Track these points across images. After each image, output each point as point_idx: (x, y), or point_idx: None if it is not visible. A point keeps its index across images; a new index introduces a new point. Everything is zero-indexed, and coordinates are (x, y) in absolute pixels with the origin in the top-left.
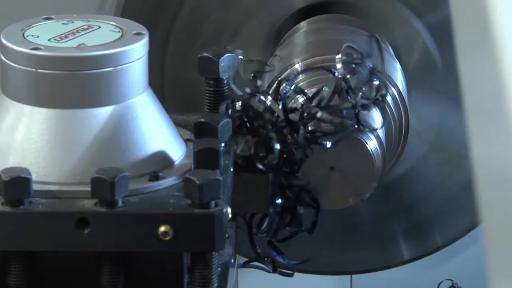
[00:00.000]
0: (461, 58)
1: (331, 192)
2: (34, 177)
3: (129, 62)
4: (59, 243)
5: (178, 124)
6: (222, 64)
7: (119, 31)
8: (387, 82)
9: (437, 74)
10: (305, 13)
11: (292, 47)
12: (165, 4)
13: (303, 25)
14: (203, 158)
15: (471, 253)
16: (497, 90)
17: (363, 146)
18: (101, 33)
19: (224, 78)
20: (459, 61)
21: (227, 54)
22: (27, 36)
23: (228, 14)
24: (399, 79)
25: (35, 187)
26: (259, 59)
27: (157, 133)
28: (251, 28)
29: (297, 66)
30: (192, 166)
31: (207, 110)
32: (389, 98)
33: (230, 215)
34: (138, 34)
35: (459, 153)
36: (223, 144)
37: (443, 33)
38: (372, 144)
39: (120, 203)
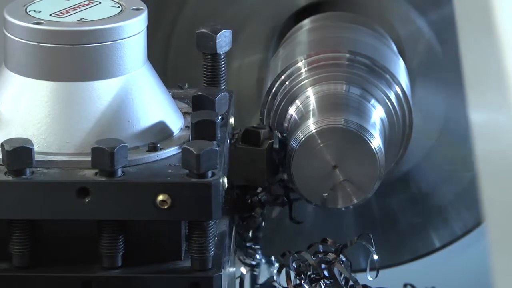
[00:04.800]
0: (464, 53)
1: (334, 191)
2: (36, 148)
3: (128, 36)
4: (60, 212)
5: (176, 98)
6: (219, 40)
7: (118, 7)
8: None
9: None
10: (308, 11)
11: (296, 44)
12: (168, 2)
13: (306, 23)
14: (201, 129)
15: (470, 254)
16: (500, 85)
17: (366, 145)
18: (101, 8)
19: (221, 53)
20: (463, 56)
21: (224, 30)
22: (30, 11)
23: (232, 11)
24: (403, 77)
25: (37, 157)
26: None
27: (155, 106)
28: (255, 26)
29: (300, 64)
30: (190, 138)
31: (205, 84)
32: (392, 96)
33: (226, 185)
34: (137, 9)
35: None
36: (220, 117)
37: (446, 31)
38: (375, 142)
39: (119, 173)
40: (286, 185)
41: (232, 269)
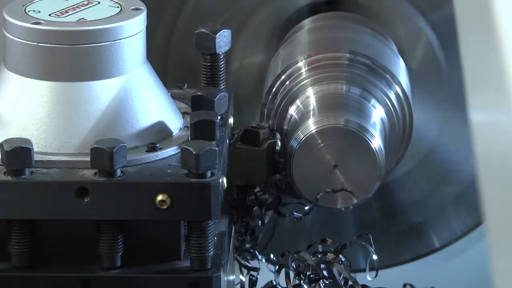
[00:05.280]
0: (464, 53)
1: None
2: (35, 148)
3: (127, 36)
4: (59, 212)
5: (175, 98)
6: (219, 40)
7: (118, 7)
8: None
9: (441, 75)
10: (309, 11)
11: (296, 44)
12: (167, 2)
13: (306, 23)
14: (200, 129)
15: (470, 254)
16: (500, 85)
17: (366, 145)
18: (100, 8)
19: (220, 53)
20: (463, 56)
21: (224, 30)
22: (29, 11)
23: (232, 10)
24: (403, 77)
25: (36, 157)
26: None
27: (155, 106)
28: (255, 25)
29: (301, 64)
30: (189, 138)
31: (204, 84)
32: (392, 96)
33: (225, 185)
34: (136, 9)
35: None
36: (219, 117)
37: (447, 31)
38: (376, 142)
39: (118, 173)
40: (280, 187)
41: (231, 277)
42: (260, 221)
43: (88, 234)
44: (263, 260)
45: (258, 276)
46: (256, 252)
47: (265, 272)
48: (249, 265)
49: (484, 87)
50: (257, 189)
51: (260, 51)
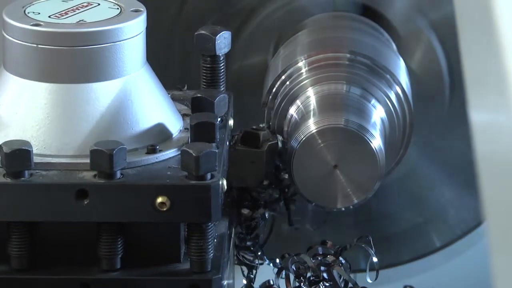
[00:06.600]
0: (464, 53)
1: (335, 190)
2: (34, 150)
3: (127, 38)
4: (59, 214)
5: (175, 100)
6: (219, 41)
7: (117, 8)
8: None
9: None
10: (308, 11)
11: (296, 44)
12: (167, 4)
13: (307, 22)
14: (200, 131)
15: (470, 254)
16: (500, 85)
17: (367, 145)
18: (100, 10)
19: (220, 55)
20: (463, 56)
21: (223, 31)
22: (28, 13)
23: (232, 11)
24: (403, 77)
25: (36, 159)
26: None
27: (154, 108)
28: (255, 25)
29: (301, 64)
30: (189, 140)
31: (204, 86)
32: (393, 96)
33: (225, 187)
34: (136, 11)
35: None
36: (219, 119)
37: (447, 31)
38: (376, 142)
39: (118, 175)
40: (284, 190)
41: (231, 280)
42: (260, 222)
43: (88, 236)
44: (271, 265)
45: (256, 274)
46: (265, 257)
47: (263, 270)
48: (249, 263)
49: (484, 87)
50: (259, 188)
51: (260, 51)
